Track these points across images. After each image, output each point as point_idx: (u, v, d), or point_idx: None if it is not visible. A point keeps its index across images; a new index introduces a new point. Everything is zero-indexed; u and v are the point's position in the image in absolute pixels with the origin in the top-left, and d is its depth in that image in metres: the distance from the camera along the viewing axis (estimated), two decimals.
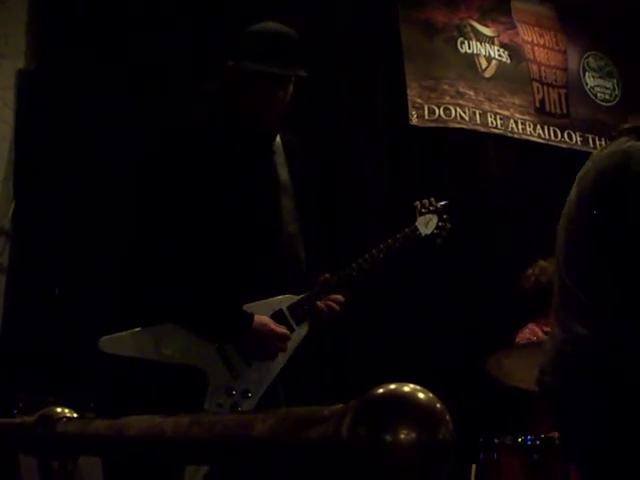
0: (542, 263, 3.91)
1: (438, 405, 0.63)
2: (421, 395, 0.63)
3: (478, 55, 5.15)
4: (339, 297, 2.37)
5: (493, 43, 5.23)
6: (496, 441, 3.45)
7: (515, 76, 5.23)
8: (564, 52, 5.46)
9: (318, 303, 2.33)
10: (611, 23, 5.53)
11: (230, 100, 2.32)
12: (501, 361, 3.49)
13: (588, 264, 2.00)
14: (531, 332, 3.95)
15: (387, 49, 4.91)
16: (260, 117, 2.29)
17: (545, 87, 5.30)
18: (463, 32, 5.15)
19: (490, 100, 5.07)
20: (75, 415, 1.20)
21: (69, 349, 3.54)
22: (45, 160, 3.91)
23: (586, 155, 2.20)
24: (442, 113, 4.90)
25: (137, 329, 2.17)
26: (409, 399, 0.62)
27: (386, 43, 4.92)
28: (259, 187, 2.34)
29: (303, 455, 0.69)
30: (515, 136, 5.09)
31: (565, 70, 5.43)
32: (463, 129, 4.93)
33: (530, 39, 5.36)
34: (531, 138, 5.14)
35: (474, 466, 3.61)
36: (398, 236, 2.52)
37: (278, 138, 2.43)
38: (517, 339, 3.97)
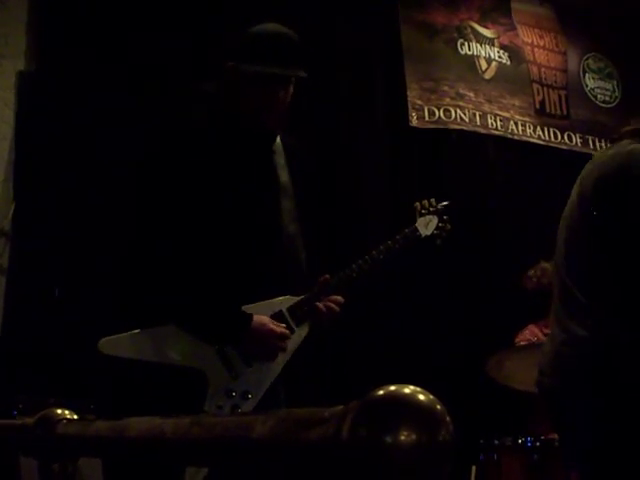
0: (544, 264, 3.90)
1: (438, 406, 0.63)
2: (421, 396, 0.63)
3: (478, 56, 5.16)
4: (339, 298, 2.36)
5: (493, 44, 5.23)
6: (496, 442, 3.45)
7: (515, 77, 5.23)
8: (564, 53, 5.46)
9: (318, 304, 2.33)
10: (611, 25, 5.53)
11: (230, 101, 2.32)
12: (501, 362, 3.49)
13: (588, 264, 2.00)
14: (531, 333, 3.95)
15: (387, 49, 4.91)
16: (260, 118, 2.29)
17: (545, 88, 5.30)
18: (463, 33, 5.16)
19: (490, 101, 5.07)
20: (75, 417, 1.20)
21: (69, 350, 3.54)
22: (45, 160, 3.91)
23: (586, 156, 2.20)
24: (442, 114, 4.91)
25: (136, 331, 2.17)
26: (409, 400, 0.62)
27: (386, 43, 4.92)
28: (259, 188, 2.34)
29: (303, 456, 0.69)
30: (515, 137, 5.09)
31: (565, 71, 5.43)
32: (463, 130, 4.93)
33: (530, 40, 5.37)
34: (531, 139, 5.14)
35: (474, 467, 3.61)
36: (398, 237, 2.52)
37: (278, 139, 2.43)
38: (517, 340, 3.97)
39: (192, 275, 2.19)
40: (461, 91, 5.01)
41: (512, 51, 5.28)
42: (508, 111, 5.11)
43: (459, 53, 5.10)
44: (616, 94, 5.53)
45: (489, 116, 5.03)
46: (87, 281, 3.72)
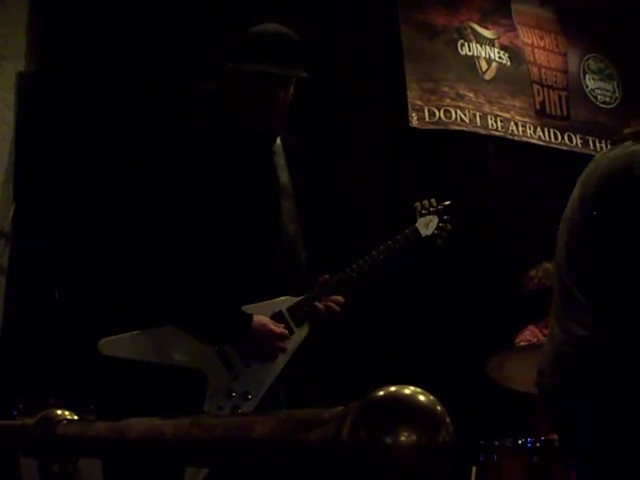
0: (546, 265, 3.89)
1: (438, 407, 0.63)
2: (421, 397, 0.63)
3: (478, 57, 5.15)
4: (339, 298, 2.36)
5: (493, 45, 5.23)
6: (496, 443, 3.45)
7: (515, 78, 5.23)
8: (564, 54, 5.46)
9: (317, 304, 2.33)
10: (611, 26, 5.53)
11: (230, 101, 2.32)
12: (502, 363, 3.49)
13: (589, 266, 2.00)
14: (531, 334, 3.94)
15: (387, 49, 4.91)
16: (260, 118, 2.29)
17: (545, 89, 5.30)
18: (463, 34, 5.15)
19: (490, 102, 5.07)
20: (75, 417, 1.20)
21: (69, 351, 3.54)
22: (45, 161, 3.91)
23: (586, 157, 2.20)
24: (442, 115, 4.91)
25: (136, 331, 2.17)
26: (409, 401, 0.62)
27: (386, 43, 4.92)
28: (259, 188, 2.34)
29: (303, 457, 0.69)
30: (515, 138, 5.09)
31: (565, 72, 5.43)
32: (463, 131, 4.93)
33: (530, 41, 5.36)
34: (531, 140, 5.14)
35: (474, 468, 3.61)
36: (398, 237, 2.52)
37: (278, 139, 2.43)
38: (517, 340, 3.96)
39: (192, 275, 2.19)
40: (461, 92, 5.01)
41: (512, 52, 5.28)
42: (508, 112, 5.11)
43: (459, 54, 5.10)
44: (616, 95, 5.53)
45: (489, 117, 5.03)
46: (87, 281, 3.72)
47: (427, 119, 4.86)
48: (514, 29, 5.33)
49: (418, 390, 0.64)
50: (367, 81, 4.76)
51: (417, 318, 4.39)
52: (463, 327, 4.50)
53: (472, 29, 5.19)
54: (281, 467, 0.73)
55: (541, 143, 5.17)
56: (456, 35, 5.13)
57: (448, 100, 4.95)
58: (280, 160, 2.42)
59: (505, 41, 5.28)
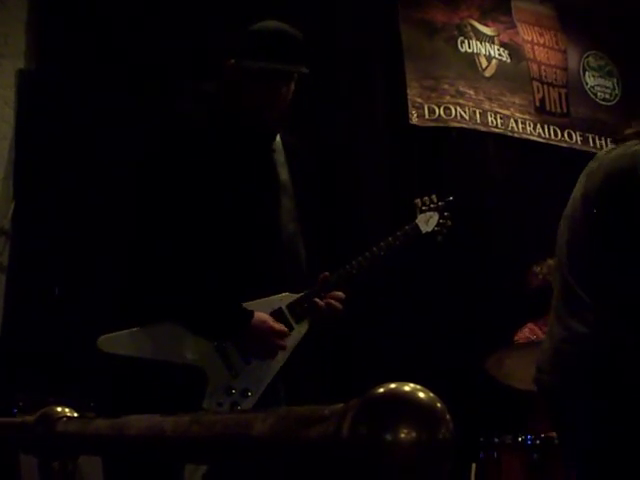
0: (550, 262, 3.88)
1: (438, 404, 0.63)
2: (421, 394, 0.63)
3: (478, 54, 5.15)
4: (339, 294, 2.36)
5: (493, 42, 5.23)
6: (496, 440, 3.45)
7: (515, 75, 5.23)
8: (564, 51, 5.46)
9: (317, 301, 2.32)
10: (611, 23, 5.53)
11: (230, 99, 2.31)
12: (501, 360, 3.49)
13: (591, 264, 2.00)
14: (531, 331, 3.94)
15: (387, 49, 4.91)
16: (261, 116, 2.28)
17: (545, 86, 5.30)
18: (463, 31, 5.15)
19: (490, 99, 5.07)
20: (75, 414, 1.20)
21: (69, 349, 3.54)
22: (45, 159, 3.91)
23: (586, 154, 2.20)
24: (442, 112, 4.90)
25: (135, 328, 2.17)
26: (409, 398, 0.62)
27: (386, 43, 4.92)
28: (259, 186, 2.34)
29: (303, 454, 0.69)
30: (515, 135, 5.09)
31: (565, 69, 5.43)
32: (463, 128, 4.93)
33: (530, 38, 5.36)
34: (531, 137, 5.14)
35: (474, 465, 3.61)
36: (398, 234, 2.51)
37: (278, 138, 2.43)
38: (516, 338, 3.97)
39: (192, 273, 2.19)
40: (461, 89, 5.01)
41: (512, 49, 5.28)
42: (508, 109, 5.11)
43: (459, 51, 5.10)
44: (616, 92, 5.53)
45: (489, 114, 5.03)
46: (87, 281, 3.72)
47: (427, 116, 4.86)
48: (514, 26, 5.33)
49: (418, 387, 0.64)
50: (367, 80, 4.76)
51: (417, 315, 4.40)
52: (463, 324, 4.50)
53: (472, 26, 5.19)
54: (281, 464, 0.73)
55: (541, 140, 5.17)
56: (456, 32, 5.13)
57: (448, 97, 4.95)
58: (280, 157, 2.41)
59: (505, 38, 5.28)
